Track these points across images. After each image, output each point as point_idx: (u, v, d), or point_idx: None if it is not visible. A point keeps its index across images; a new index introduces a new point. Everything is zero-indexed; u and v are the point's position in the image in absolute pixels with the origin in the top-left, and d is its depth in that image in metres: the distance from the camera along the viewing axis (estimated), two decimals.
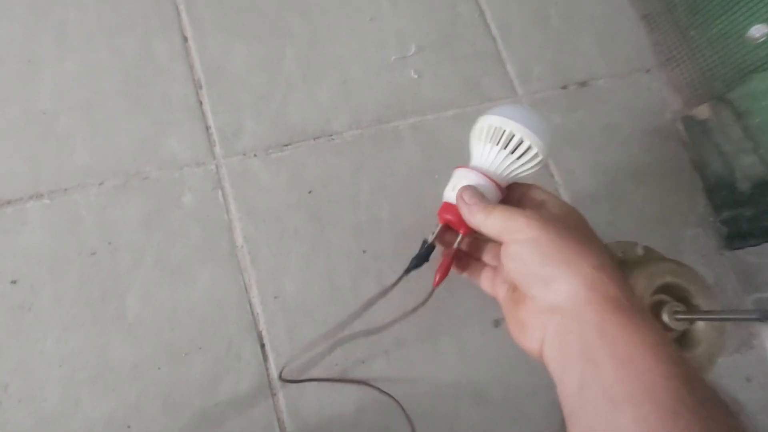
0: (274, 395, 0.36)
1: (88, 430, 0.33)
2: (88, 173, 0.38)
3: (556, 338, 0.24)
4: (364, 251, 0.40)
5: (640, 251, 0.43)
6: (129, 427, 0.33)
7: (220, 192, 0.39)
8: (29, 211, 0.36)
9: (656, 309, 0.36)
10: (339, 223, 0.40)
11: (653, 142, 0.50)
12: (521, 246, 0.25)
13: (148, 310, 0.36)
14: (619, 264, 0.40)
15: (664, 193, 0.49)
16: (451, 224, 0.32)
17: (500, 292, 0.30)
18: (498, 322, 0.41)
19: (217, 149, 0.40)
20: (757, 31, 0.45)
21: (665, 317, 0.35)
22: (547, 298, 0.24)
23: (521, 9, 0.52)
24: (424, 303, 0.33)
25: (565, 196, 0.46)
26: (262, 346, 0.36)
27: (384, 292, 0.33)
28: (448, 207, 0.32)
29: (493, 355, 0.40)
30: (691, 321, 0.34)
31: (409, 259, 0.32)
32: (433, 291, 0.33)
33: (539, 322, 0.25)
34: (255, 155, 0.41)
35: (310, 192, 0.41)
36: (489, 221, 0.26)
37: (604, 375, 0.21)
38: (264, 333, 0.37)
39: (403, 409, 0.36)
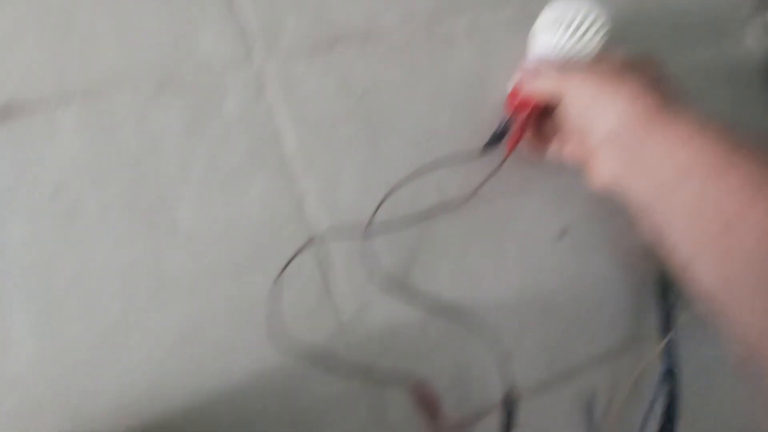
0: (336, 309, 0.34)
1: (152, 343, 0.32)
2: (120, 77, 0.34)
3: (619, 161, 0.28)
4: (422, 160, 0.37)
5: None
6: (193, 337, 0.32)
7: (263, 97, 0.36)
8: (61, 118, 0.33)
9: None
10: (394, 132, 0.37)
11: (724, 43, 0.46)
12: (572, 88, 0.30)
13: (201, 221, 0.34)
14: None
15: (728, 96, 0.45)
16: (519, 109, 0.36)
17: (568, 153, 0.35)
18: (563, 233, 0.39)
19: (256, 53, 0.36)
20: None
21: None
22: (602, 130, 0.28)
23: None
24: (495, 171, 0.35)
25: None
26: (319, 262, 0.35)
27: (439, 165, 0.36)
28: (515, 94, 0.36)
29: (558, 267, 0.38)
30: None
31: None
32: (504, 159, 0.35)
33: (603, 157, 0.29)
34: (299, 56, 0.37)
35: (361, 98, 0.37)
36: (546, 78, 0.32)
37: (673, 163, 0.25)
38: (320, 250, 0.35)
39: (468, 322, 0.35)
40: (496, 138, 0.36)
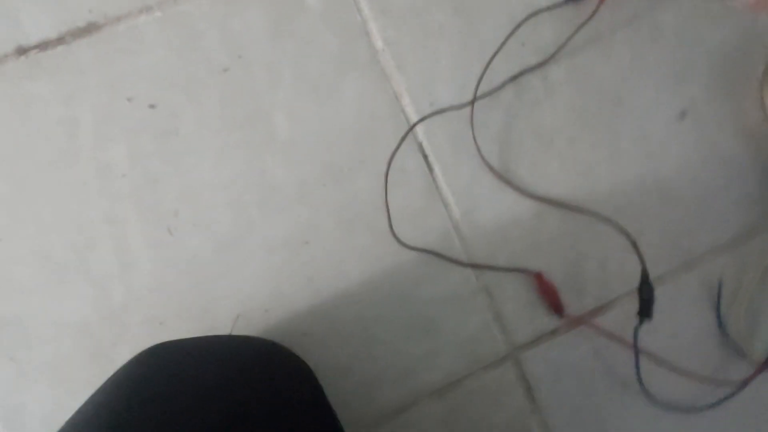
0: (446, 205, 0.33)
1: (267, 249, 0.32)
2: None
3: None
4: (523, 44, 0.34)
5: None
6: (307, 242, 0.32)
7: None
8: (144, 28, 0.32)
9: None
10: (490, 13, 0.34)
11: None
12: None
13: (298, 128, 0.32)
14: None
15: None
16: None
17: None
18: (684, 114, 0.35)
19: None
20: None
21: None
22: None
23: None
24: (586, 22, 0.33)
25: None
26: (425, 157, 0.33)
27: (535, 13, 0.33)
28: None
29: (679, 149, 0.35)
30: None
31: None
32: (594, 13, 0.33)
33: None
34: None
35: None
36: None
37: None
38: (425, 144, 0.33)
39: (585, 211, 0.33)
40: None
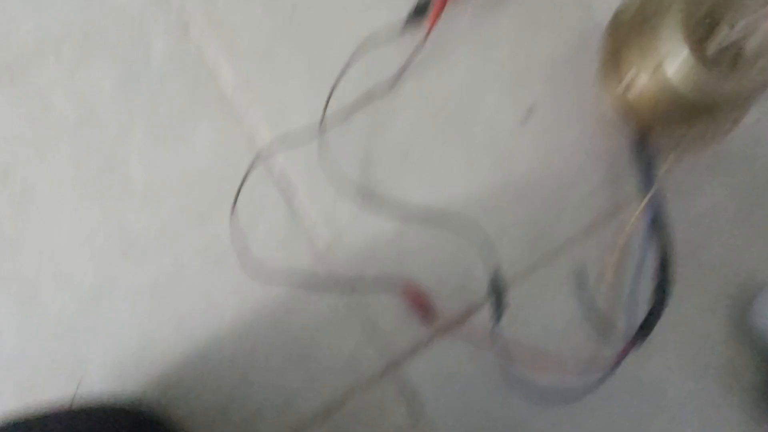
0: (310, 232, 0.34)
1: (133, 299, 0.32)
2: (41, 46, 0.33)
3: None
4: (368, 68, 0.36)
5: None
6: (173, 288, 0.32)
7: (189, 37, 0.34)
8: None
9: (701, 44, 0.31)
10: (333, 42, 0.35)
11: None
12: None
13: (154, 175, 0.33)
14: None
15: None
16: None
17: None
18: (529, 113, 0.37)
19: None
20: None
21: (713, 46, 0.30)
22: None
23: None
24: (422, 44, 0.35)
25: None
26: (284, 188, 0.34)
27: (375, 41, 0.35)
28: None
29: (529, 148, 0.37)
30: (748, 36, 0.30)
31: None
32: (428, 34, 0.35)
33: None
34: None
35: (292, 13, 0.35)
36: None
37: None
38: (283, 175, 0.34)
39: (445, 219, 0.35)
40: (419, 11, 0.35)
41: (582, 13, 0.40)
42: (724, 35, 0.30)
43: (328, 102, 0.34)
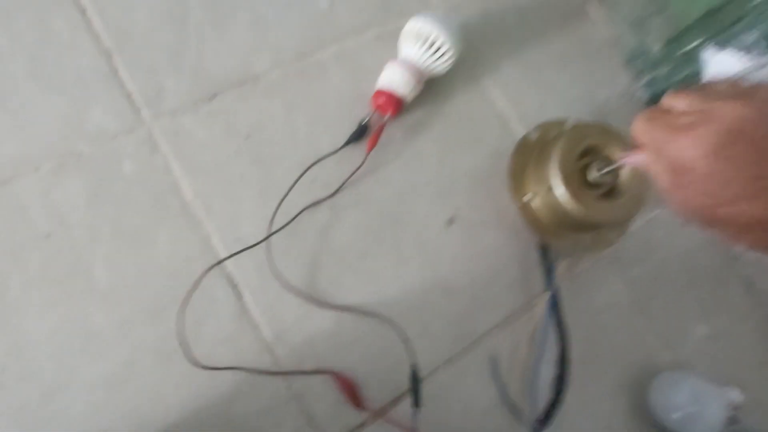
0: (256, 326, 0.38)
1: (90, 393, 0.35)
2: (20, 162, 0.38)
3: None
4: (313, 181, 0.42)
5: (570, 126, 0.46)
6: (127, 381, 0.35)
7: (158, 154, 0.40)
8: None
9: (584, 171, 0.39)
10: (283, 161, 0.42)
11: (569, 26, 0.52)
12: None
13: (116, 277, 0.37)
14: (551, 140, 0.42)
15: (586, 72, 0.51)
16: (381, 108, 0.42)
17: None
18: (452, 221, 0.43)
19: (144, 113, 0.40)
20: None
21: (592, 175, 0.38)
22: None
23: None
24: (361, 165, 0.41)
25: (495, 92, 0.48)
26: (234, 286, 0.39)
27: (324, 157, 0.41)
28: (381, 93, 0.42)
29: (452, 250, 0.43)
30: (616, 171, 0.38)
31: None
32: (367, 155, 0.41)
33: None
34: (184, 112, 0.41)
35: (247, 138, 0.42)
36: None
37: None
38: (234, 274, 0.39)
39: (376, 315, 0.40)
40: (358, 134, 0.42)
41: (499, 131, 0.47)
42: (595, 174, 0.37)
43: (276, 212, 0.39)
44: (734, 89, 0.25)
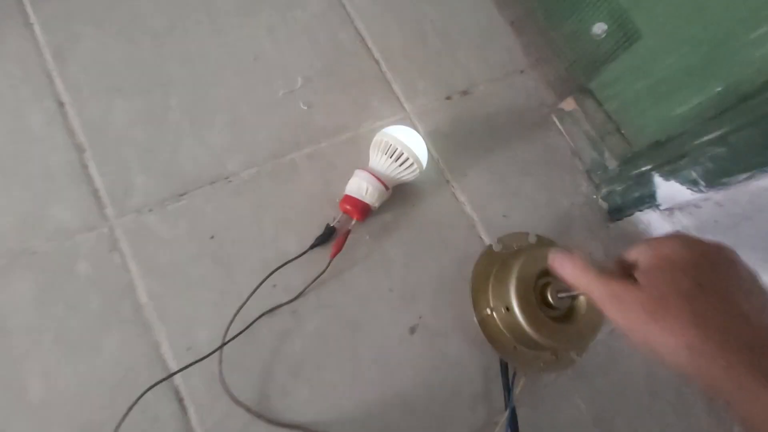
0: None
1: None
2: None
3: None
4: (274, 286, 0.41)
5: (532, 239, 0.47)
6: None
7: (117, 253, 0.39)
8: None
9: (543, 291, 0.39)
10: (246, 263, 0.41)
11: (534, 136, 0.55)
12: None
13: (52, 391, 0.35)
14: (511, 254, 0.43)
15: (550, 180, 0.54)
16: (349, 213, 0.43)
17: None
18: (414, 329, 0.43)
19: (109, 210, 0.40)
20: (598, 28, 0.51)
21: (550, 297, 0.38)
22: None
23: (400, 30, 0.56)
24: (324, 271, 0.41)
25: (462, 197, 0.50)
26: (180, 400, 0.36)
27: (287, 262, 0.41)
28: (349, 199, 0.43)
29: (413, 362, 0.42)
30: (573, 297, 0.38)
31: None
32: (330, 261, 0.42)
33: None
34: (150, 210, 0.41)
35: (212, 237, 0.41)
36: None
37: None
38: (181, 387, 0.37)
39: None
40: (324, 237, 0.43)
41: (465, 235, 0.48)
42: (553, 296, 0.38)
43: (232, 320, 0.38)
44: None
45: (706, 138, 0.41)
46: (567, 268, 0.28)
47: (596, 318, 0.39)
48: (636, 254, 0.26)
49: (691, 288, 0.23)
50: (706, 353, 0.22)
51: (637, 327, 0.24)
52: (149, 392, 0.35)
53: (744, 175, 0.38)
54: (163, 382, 0.36)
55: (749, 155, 0.38)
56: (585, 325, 0.38)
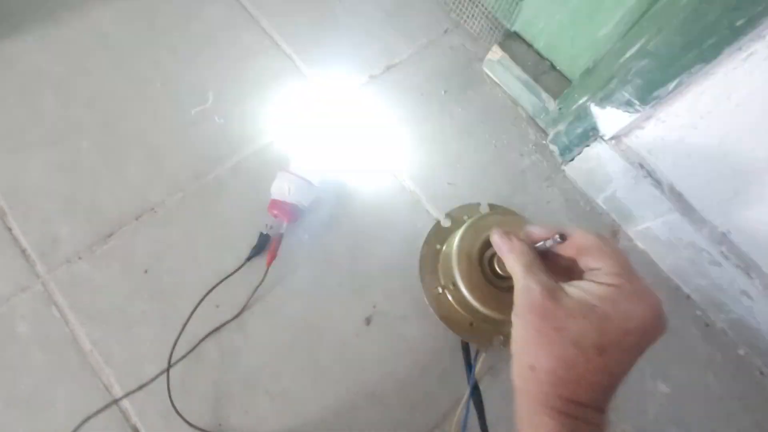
0: None
1: None
2: None
3: None
4: (217, 306, 0.40)
5: (484, 209, 0.45)
6: None
7: (53, 307, 0.39)
8: None
9: (490, 262, 0.37)
10: (185, 290, 0.40)
11: (469, 94, 0.53)
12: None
13: None
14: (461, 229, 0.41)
15: (494, 135, 0.51)
16: (278, 216, 0.42)
17: None
18: (369, 319, 0.41)
19: (39, 267, 0.40)
20: None
21: (497, 267, 0.36)
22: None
23: (309, 19, 0.54)
24: (262, 281, 0.40)
25: (404, 173, 0.48)
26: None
27: (223, 280, 0.40)
28: (274, 203, 0.41)
29: (373, 351, 0.40)
30: None
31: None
32: (267, 270, 0.40)
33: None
34: (80, 258, 0.40)
35: (145, 272, 0.41)
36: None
37: None
38: (138, 425, 0.36)
39: None
40: (260, 246, 0.42)
41: (410, 212, 0.46)
42: (500, 266, 0.36)
43: (175, 345, 0.37)
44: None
45: (629, 54, 0.38)
46: (503, 252, 0.27)
47: None
48: (604, 262, 0.23)
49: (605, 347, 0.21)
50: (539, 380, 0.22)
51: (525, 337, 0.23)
52: (106, 430, 0.35)
53: (673, 83, 0.35)
54: (121, 418, 0.36)
55: (672, 60, 0.34)
56: None
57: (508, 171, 0.50)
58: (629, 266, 0.23)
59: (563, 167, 0.50)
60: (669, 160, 0.42)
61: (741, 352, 0.45)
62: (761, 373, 0.45)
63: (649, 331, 0.22)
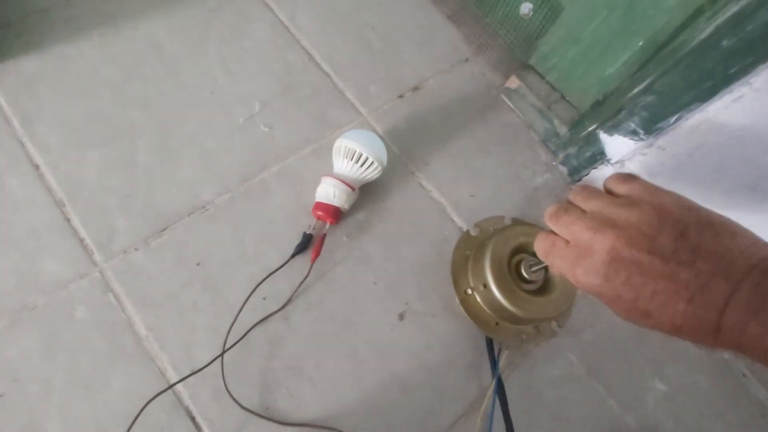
0: None
1: None
2: None
3: None
4: (264, 298, 0.43)
5: (508, 222, 0.50)
6: None
7: (111, 295, 0.41)
8: None
9: (518, 267, 0.42)
10: (234, 283, 0.43)
11: (488, 117, 0.58)
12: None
13: (70, 428, 0.37)
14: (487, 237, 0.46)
15: (510, 155, 0.57)
16: (322, 218, 0.46)
17: None
18: (402, 315, 0.45)
19: (97, 257, 0.42)
20: (525, 8, 0.54)
21: (524, 272, 0.41)
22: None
23: (344, 41, 0.59)
24: (306, 276, 0.44)
25: (428, 185, 0.52)
26: (192, 419, 0.38)
27: (271, 274, 0.43)
28: (319, 205, 0.45)
29: (405, 345, 0.44)
30: (546, 269, 0.41)
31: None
32: (311, 266, 0.44)
33: None
34: (136, 249, 0.43)
35: (198, 264, 0.44)
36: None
37: None
38: (191, 407, 0.39)
39: (340, 424, 0.40)
40: (303, 245, 0.45)
41: (437, 219, 0.51)
42: (527, 270, 0.41)
43: (228, 333, 0.41)
44: (611, 208, 0.27)
45: (636, 90, 0.44)
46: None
47: (570, 287, 0.41)
48: (629, 189, 0.28)
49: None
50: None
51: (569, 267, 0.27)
52: (164, 417, 0.37)
53: (674, 117, 0.41)
54: (175, 401, 0.38)
55: (674, 98, 0.41)
56: (560, 294, 0.41)
57: (523, 187, 0.55)
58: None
59: (571, 186, 0.56)
60: (667, 183, 0.48)
61: (726, 356, 0.51)
62: (744, 375, 0.50)
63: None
